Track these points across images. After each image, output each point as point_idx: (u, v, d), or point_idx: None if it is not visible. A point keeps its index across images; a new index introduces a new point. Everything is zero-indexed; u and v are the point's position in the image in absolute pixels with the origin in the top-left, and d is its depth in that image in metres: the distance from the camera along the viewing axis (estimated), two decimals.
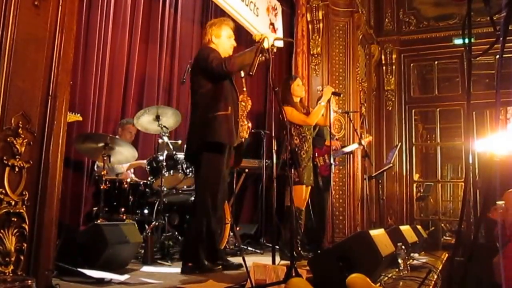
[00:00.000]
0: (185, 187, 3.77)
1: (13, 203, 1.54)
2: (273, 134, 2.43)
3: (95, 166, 3.51)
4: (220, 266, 2.61)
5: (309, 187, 3.59)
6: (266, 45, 2.45)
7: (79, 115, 3.05)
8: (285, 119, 2.34)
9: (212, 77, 2.60)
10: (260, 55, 2.35)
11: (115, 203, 3.33)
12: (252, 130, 3.02)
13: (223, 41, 2.75)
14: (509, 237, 2.84)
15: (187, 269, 2.50)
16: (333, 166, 3.63)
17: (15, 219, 1.55)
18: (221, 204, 2.72)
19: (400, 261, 2.61)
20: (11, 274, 1.53)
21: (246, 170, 4.26)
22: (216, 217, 2.62)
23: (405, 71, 6.45)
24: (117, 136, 3.43)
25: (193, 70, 2.75)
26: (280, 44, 2.90)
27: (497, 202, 3.25)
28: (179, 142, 3.84)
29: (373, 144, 6.09)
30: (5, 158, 1.53)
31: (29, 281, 1.39)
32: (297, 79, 3.69)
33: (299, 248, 3.41)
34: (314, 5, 5.12)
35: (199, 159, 2.59)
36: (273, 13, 4.80)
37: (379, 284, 2.19)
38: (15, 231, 1.55)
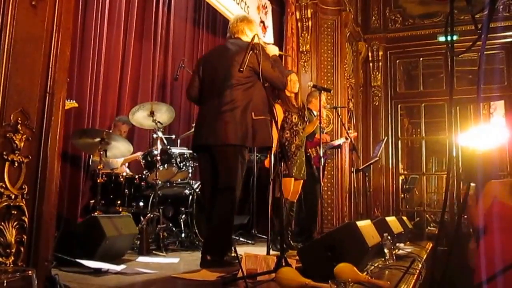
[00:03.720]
0: (179, 180, 3.83)
1: (13, 196, 1.56)
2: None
3: (90, 161, 3.56)
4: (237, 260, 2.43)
5: (301, 181, 3.62)
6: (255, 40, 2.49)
7: (74, 101, 3.08)
8: (275, 115, 2.38)
9: None
10: (251, 52, 2.40)
11: (111, 196, 3.39)
12: None
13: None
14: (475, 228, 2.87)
15: (207, 262, 2.41)
16: (322, 159, 3.69)
17: (15, 212, 1.56)
18: None
19: (386, 251, 2.60)
20: (11, 265, 1.56)
21: None
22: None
23: (391, 68, 6.55)
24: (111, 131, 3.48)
25: None
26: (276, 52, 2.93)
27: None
28: (173, 137, 3.90)
29: (360, 138, 6.19)
30: (4, 153, 1.54)
31: (30, 272, 1.43)
32: (290, 75, 3.57)
33: (289, 239, 3.49)
34: (303, 3, 5.18)
35: (230, 154, 2.49)
36: (263, 12, 4.84)
37: (365, 273, 2.14)
38: (15, 223, 1.57)
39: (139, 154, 3.66)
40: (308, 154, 3.98)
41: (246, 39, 2.67)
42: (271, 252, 2.77)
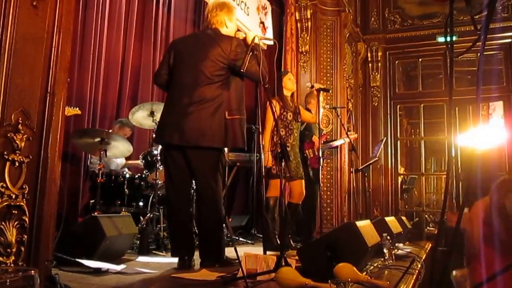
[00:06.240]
0: None
1: (13, 196, 1.56)
2: (259, 129, 2.47)
3: (88, 162, 3.58)
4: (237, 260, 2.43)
5: (302, 181, 3.61)
6: (256, 40, 2.43)
7: (77, 109, 3.09)
8: (275, 113, 2.38)
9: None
10: (251, 53, 2.40)
11: (111, 196, 3.40)
12: None
13: (236, 27, 2.63)
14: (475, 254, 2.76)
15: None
16: (321, 159, 3.70)
17: (16, 212, 1.57)
18: None
19: (385, 250, 2.60)
20: (12, 265, 1.56)
21: (238, 164, 4.35)
22: None
23: (390, 68, 6.56)
24: (110, 131, 3.49)
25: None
26: (270, 42, 2.91)
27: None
28: None
29: (360, 138, 6.20)
30: (5, 153, 1.55)
31: (32, 271, 1.42)
32: (288, 74, 3.80)
33: (289, 239, 3.50)
34: (302, 4, 5.20)
35: (219, 157, 2.47)
36: (263, 12, 4.86)
37: (365, 272, 2.14)
38: (15, 223, 1.57)
39: (139, 161, 3.66)
40: (305, 155, 4.00)
41: (226, 31, 2.54)
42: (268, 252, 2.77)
